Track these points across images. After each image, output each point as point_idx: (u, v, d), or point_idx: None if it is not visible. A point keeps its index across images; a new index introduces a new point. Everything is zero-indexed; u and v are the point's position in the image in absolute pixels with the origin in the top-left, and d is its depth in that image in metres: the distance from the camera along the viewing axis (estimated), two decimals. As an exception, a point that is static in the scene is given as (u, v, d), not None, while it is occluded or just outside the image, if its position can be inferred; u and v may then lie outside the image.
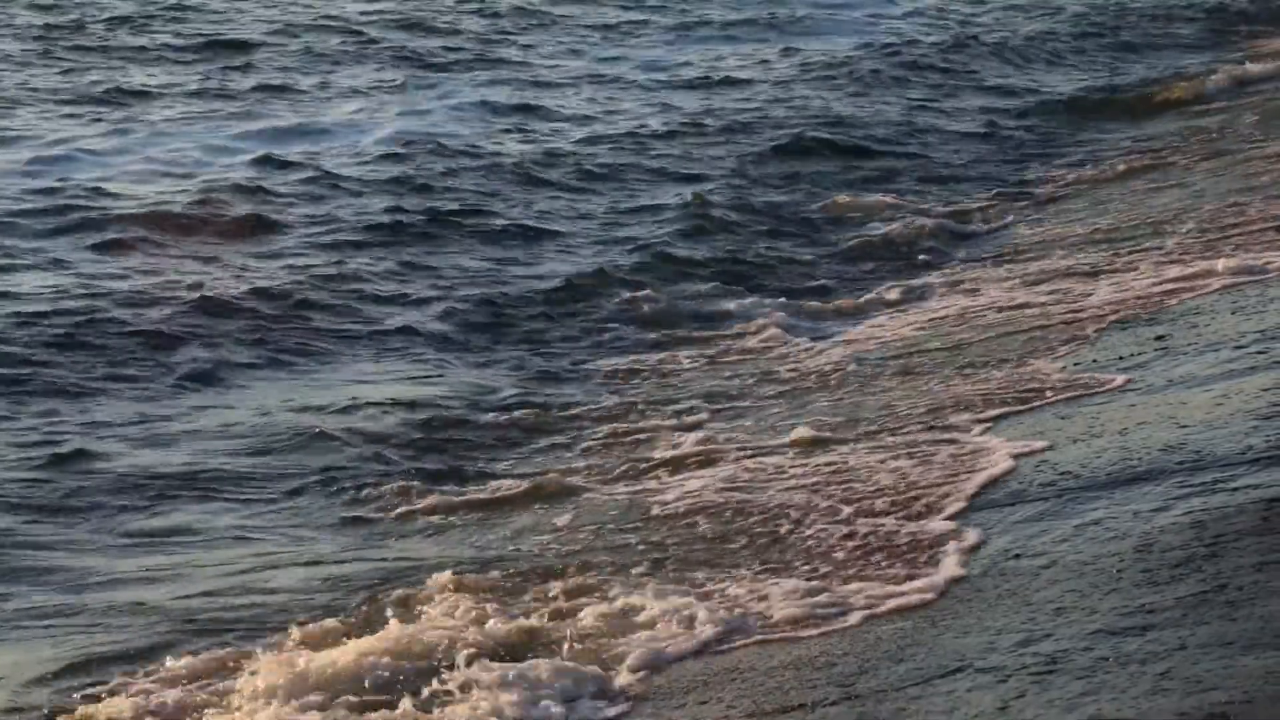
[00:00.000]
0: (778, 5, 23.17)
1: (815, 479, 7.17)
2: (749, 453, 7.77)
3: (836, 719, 4.83)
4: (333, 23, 21.58)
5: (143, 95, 17.02)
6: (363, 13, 22.45)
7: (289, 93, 17.52)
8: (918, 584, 5.77)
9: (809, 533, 6.51)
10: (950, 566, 5.86)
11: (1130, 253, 10.86)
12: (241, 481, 8.09)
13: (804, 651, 5.43)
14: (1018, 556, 5.83)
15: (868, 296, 11.20)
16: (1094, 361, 8.31)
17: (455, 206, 13.11)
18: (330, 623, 6.17)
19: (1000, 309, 9.98)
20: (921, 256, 12.19)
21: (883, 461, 7.23)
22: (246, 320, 10.40)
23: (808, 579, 6.03)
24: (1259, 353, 7.64)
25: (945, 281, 11.26)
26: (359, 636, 5.93)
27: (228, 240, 12.19)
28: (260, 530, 7.51)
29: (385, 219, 12.72)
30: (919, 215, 13.17)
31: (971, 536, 6.13)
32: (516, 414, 8.93)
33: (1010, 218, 13.16)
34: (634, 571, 6.40)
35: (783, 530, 6.59)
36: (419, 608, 6.22)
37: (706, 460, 7.76)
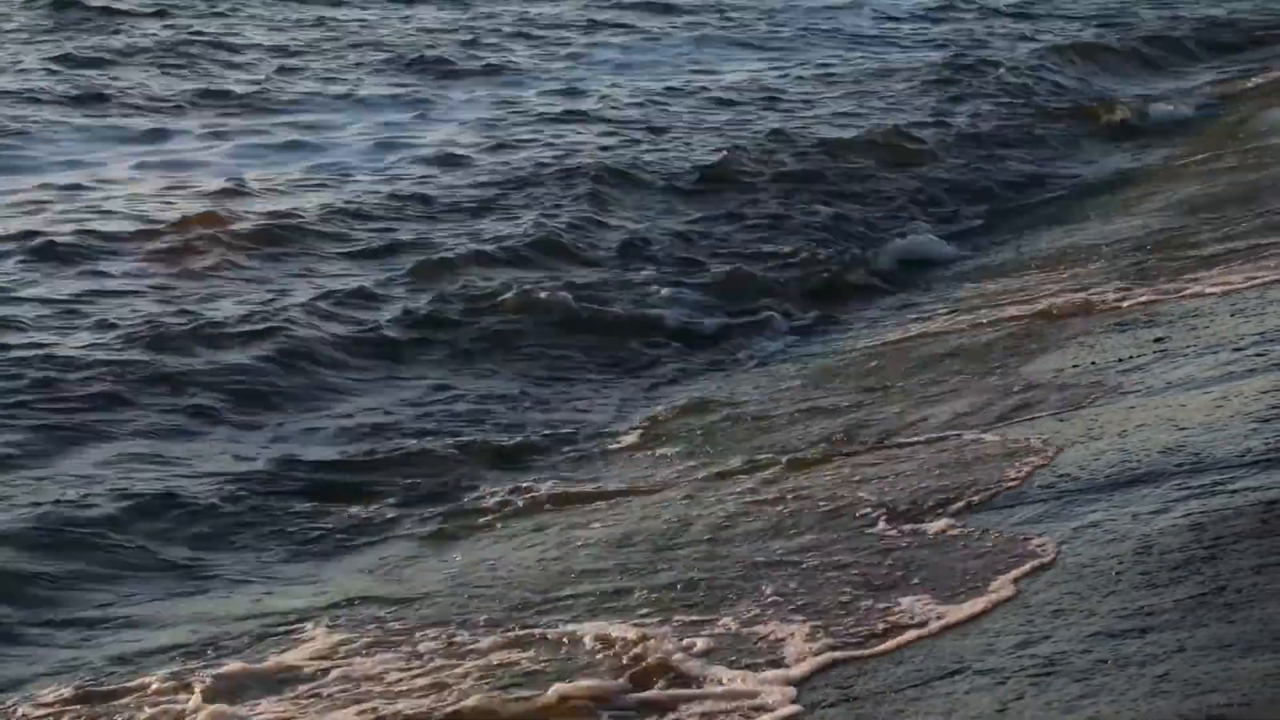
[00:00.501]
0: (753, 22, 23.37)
1: (815, 489, 7.17)
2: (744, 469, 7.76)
3: (835, 721, 4.83)
4: (332, 32, 21.62)
5: (148, 106, 16.98)
6: (360, 20, 22.50)
7: (292, 103, 17.48)
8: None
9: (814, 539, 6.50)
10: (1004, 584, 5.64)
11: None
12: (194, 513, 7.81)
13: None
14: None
15: (848, 312, 11.25)
16: (1092, 364, 8.31)
17: (450, 222, 12.89)
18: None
19: (991, 319, 9.99)
20: (907, 270, 12.28)
21: (883, 471, 7.23)
22: (239, 346, 10.00)
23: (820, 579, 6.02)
24: (1258, 355, 7.63)
25: (937, 294, 11.33)
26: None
27: (216, 265, 11.75)
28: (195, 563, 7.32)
29: (376, 238, 12.49)
30: (907, 229, 13.24)
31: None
32: (489, 436, 8.79)
33: (1001, 228, 13.29)
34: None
35: (786, 545, 6.58)
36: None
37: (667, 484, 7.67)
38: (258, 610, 6.60)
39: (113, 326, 10.26)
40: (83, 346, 9.84)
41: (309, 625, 6.21)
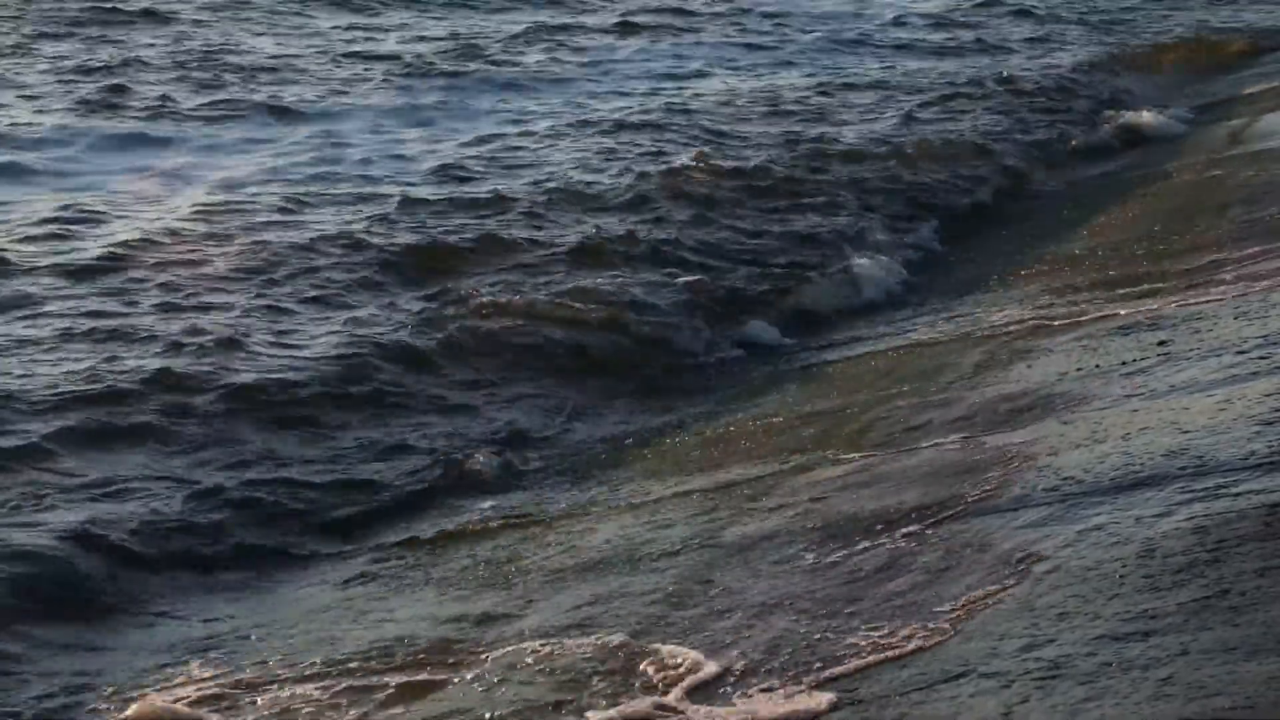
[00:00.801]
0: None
1: (821, 491, 7.17)
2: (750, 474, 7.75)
3: (839, 725, 4.84)
4: (339, 40, 21.62)
5: (151, 112, 16.98)
6: (368, 28, 22.49)
7: (296, 110, 17.47)
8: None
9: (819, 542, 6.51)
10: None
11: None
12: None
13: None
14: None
15: (837, 322, 11.27)
16: (1096, 367, 8.31)
17: (455, 238, 12.66)
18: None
19: (987, 324, 10.01)
20: (900, 280, 12.33)
21: (880, 475, 7.23)
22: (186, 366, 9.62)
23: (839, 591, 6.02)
24: (1261, 358, 7.63)
25: (930, 302, 11.35)
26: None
27: (198, 277, 11.50)
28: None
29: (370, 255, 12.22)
30: (903, 237, 13.28)
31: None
32: (431, 456, 8.64)
33: (996, 234, 13.32)
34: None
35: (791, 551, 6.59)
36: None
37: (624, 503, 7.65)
38: (149, 644, 6.53)
39: (59, 342, 10.06)
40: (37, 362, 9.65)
41: (197, 662, 6.19)
